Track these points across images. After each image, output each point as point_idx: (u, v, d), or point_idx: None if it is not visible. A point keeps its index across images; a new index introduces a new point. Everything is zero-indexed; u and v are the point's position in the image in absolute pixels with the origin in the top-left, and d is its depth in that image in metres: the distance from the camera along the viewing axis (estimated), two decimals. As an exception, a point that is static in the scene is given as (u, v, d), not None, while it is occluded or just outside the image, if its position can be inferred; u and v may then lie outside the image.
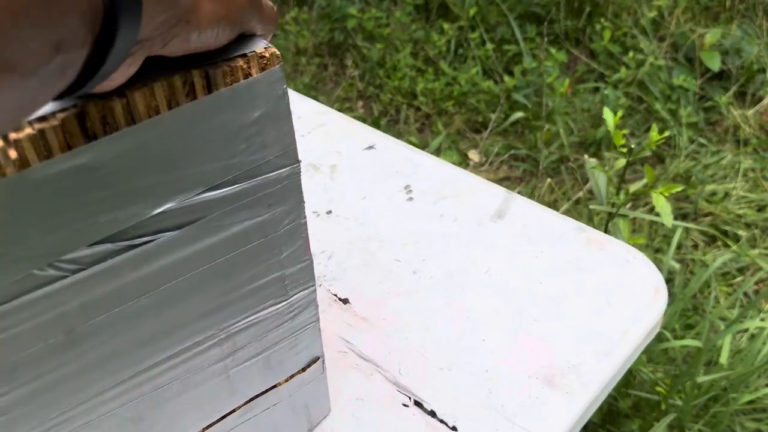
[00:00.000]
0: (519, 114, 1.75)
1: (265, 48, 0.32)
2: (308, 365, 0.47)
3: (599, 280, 0.64)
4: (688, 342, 0.93)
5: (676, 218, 1.58)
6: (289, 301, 0.42)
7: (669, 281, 1.35)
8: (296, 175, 0.37)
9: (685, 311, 1.15)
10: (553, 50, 2.00)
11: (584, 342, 0.58)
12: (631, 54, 1.94)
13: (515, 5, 2.13)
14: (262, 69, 0.32)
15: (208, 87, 0.31)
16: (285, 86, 0.34)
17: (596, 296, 0.62)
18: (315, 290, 0.44)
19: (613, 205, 0.89)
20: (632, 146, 0.82)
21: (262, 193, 0.36)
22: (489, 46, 2.08)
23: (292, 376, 0.47)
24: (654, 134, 0.80)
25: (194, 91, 0.31)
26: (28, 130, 0.27)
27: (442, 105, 1.97)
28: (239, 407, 0.45)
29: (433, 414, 0.54)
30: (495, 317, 0.61)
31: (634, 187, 0.86)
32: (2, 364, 0.31)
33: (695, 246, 1.52)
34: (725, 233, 1.53)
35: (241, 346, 0.41)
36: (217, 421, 0.44)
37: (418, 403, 0.54)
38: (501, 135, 1.80)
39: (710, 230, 1.53)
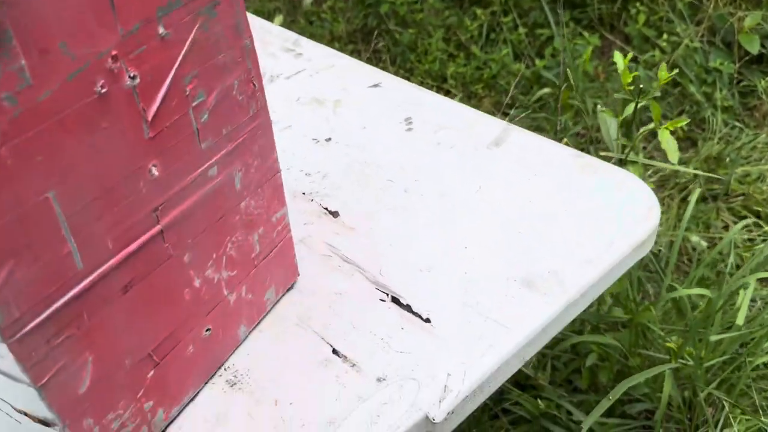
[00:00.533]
0: (545, 90, 1.74)
1: None
2: None
3: (591, 199, 0.63)
4: (699, 291, 0.90)
5: (705, 199, 1.54)
6: None
7: (695, 260, 1.32)
8: None
9: (704, 279, 1.12)
10: (586, 34, 1.98)
11: (568, 251, 0.58)
12: (665, 36, 1.90)
13: (549, -10, 2.11)
14: None
15: None
16: None
17: (586, 214, 0.61)
18: None
19: (623, 151, 0.88)
20: (641, 85, 0.81)
21: None
22: (521, 30, 2.07)
23: None
24: (663, 73, 0.79)
25: None
26: None
27: (472, 88, 1.97)
28: None
29: (408, 308, 0.54)
30: (480, 229, 0.61)
31: (644, 129, 0.84)
32: None
33: (725, 227, 1.48)
34: (758, 215, 1.48)
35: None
36: None
37: (395, 299, 0.55)
38: (527, 112, 1.78)
39: (741, 210, 1.48)
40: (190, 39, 0.38)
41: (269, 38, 0.95)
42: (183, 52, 0.38)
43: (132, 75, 0.35)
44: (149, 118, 0.37)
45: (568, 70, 1.03)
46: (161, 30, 0.36)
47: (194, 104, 0.40)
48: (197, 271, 0.44)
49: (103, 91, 0.34)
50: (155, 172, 0.39)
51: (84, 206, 0.35)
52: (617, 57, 0.83)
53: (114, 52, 0.34)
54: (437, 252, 0.59)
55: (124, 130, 0.36)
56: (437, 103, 0.79)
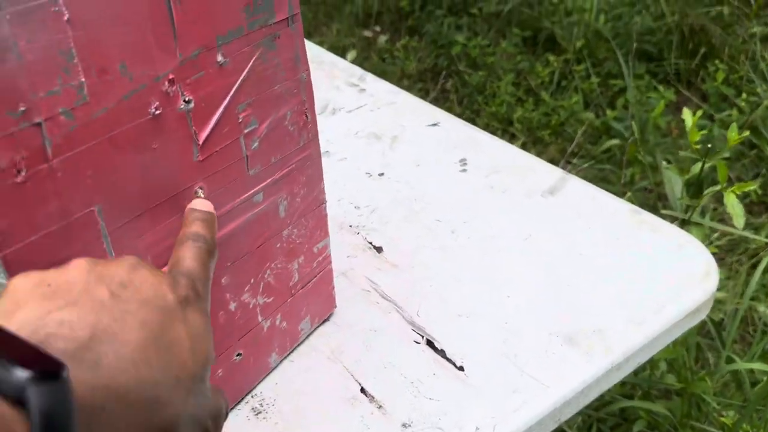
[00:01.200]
0: (614, 141, 1.70)
1: None
2: None
3: (645, 257, 0.60)
4: (761, 366, 0.85)
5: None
6: None
7: (760, 332, 1.24)
8: None
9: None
10: (661, 88, 1.93)
11: (615, 309, 0.55)
12: (744, 96, 1.84)
13: (625, 41, 2.09)
14: None
15: None
16: None
17: (638, 272, 0.59)
18: None
19: (687, 211, 0.85)
20: (709, 146, 0.78)
21: None
22: (594, 79, 2.04)
23: None
24: (733, 133, 0.75)
25: None
26: None
27: (538, 133, 1.95)
28: None
29: (442, 353, 0.53)
30: (525, 278, 0.59)
31: (709, 190, 0.81)
32: None
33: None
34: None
35: None
36: None
37: (429, 342, 0.54)
38: (591, 162, 1.75)
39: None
40: (247, 69, 0.39)
41: (336, 72, 0.97)
42: (239, 81, 0.39)
43: (187, 99, 0.36)
44: (200, 142, 0.38)
45: (633, 123, 1.00)
46: (220, 58, 0.37)
47: (246, 131, 0.41)
48: (233, 294, 0.45)
49: (157, 112, 0.35)
50: (201, 194, 0.39)
51: (127, 222, 0.36)
52: (686, 114, 0.80)
53: (171, 76, 0.35)
54: (479, 298, 0.57)
55: (174, 151, 0.37)
56: (494, 146, 0.78)
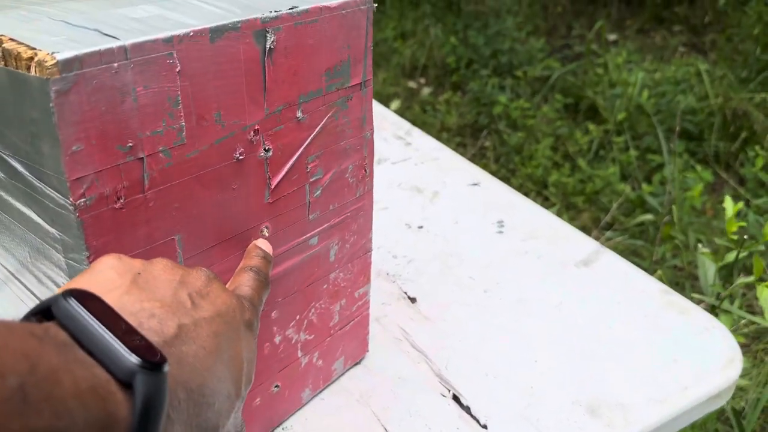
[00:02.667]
0: (648, 216, 1.71)
1: (36, 52, 0.30)
2: None
3: (671, 337, 0.62)
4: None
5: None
6: None
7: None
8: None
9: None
10: (699, 168, 1.95)
11: (639, 385, 0.57)
12: (783, 184, 1.84)
13: (666, 118, 2.12)
14: (35, 71, 0.30)
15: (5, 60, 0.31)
16: (52, 105, 0.29)
17: (664, 351, 0.60)
18: None
19: (718, 297, 0.86)
20: (745, 237, 0.79)
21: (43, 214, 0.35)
22: (632, 152, 2.07)
23: None
24: (768, 227, 0.77)
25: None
26: None
27: (572, 199, 1.97)
28: None
29: (468, 410, 0.54)
30: (554, 345, 0.61)
31: (741, 281, 0.82)
32: None
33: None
34: None
35: None
36: None
37: (456, 397, 0.56)
38: (625, 237, 1.76)
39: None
40: (321, 125, 0.43)
41: (385, 124, 1.01)
42: (312, 135, 0.43)
43: (267, 148, 0.40)
44: (272, 186, 0.42)
45: (674, 207, 1.02)
46: (299, 114, 0.41)
47: (312, 180, 0.45)
48: (279, 328, 0.48)
49: (240, 157, 0.39)
50: (266, 232, 0.43)
51: (202, 252, 0.39)
52: (728, 202, 0.82)
53: (257, 127, 0.39)
54: (506, 359, 0.59)
55: (249, 192, 0.40)
56: (533, 211, 0.81)
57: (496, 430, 0.53)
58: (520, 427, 0.53)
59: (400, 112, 2.47)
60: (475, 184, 0.86)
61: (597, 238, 1.80)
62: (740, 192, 1.96)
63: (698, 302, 1.07)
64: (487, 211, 0.80)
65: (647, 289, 0.68)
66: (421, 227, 0.78)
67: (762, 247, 0.81)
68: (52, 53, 0.29)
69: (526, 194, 2.05)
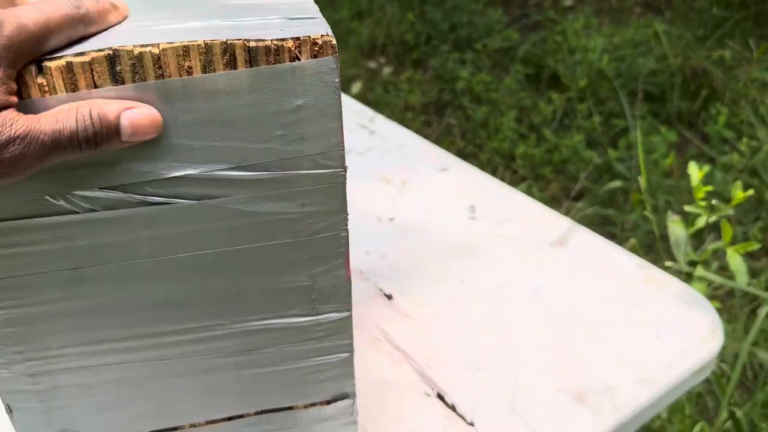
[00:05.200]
0: (617, 183, 1.71)
1: (321, 35, 0.31)
2: (334, 400, 0.44)
3: (651, 313, 0.61)
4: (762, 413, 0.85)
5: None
6: (316, 318, 0.40)
7: (761, 379, 1.25)
8: (339, 181, 0.35)
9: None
10: (663, 129, 1.96)
11: (623, 367, 0.56)
12: (745, 140, 1.86)
13: (628, 82, 2.12)
14: (314, 56, 0.31)
15: (250, 61, 0.30)
16: (338, 81, 0.32)
17: (645, 328, 0.60)
18: (350, 318, 0.41)
19: (691, 264, 0.86)
20: (714, 202, 0.79)
21: (296, 189, 0.35)
22: (596, 118, 2.07)
23: (312, 404, 0.44)
24: (738, 192, 0.77)
25: (234, 63, 0.30)
26: (59, 61, 0.29)
27: (540, 170, 1.97)
28: (249, 415, 0.43)
29: (453, 408, 0.53)
30: (534, 332, 0.60)
31: (712, 247, 0.82)
32: (10, 279, 0.34)
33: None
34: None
35: (256, 348, 0.40)
36: (224, 419, 0.43)
37: (440, 396, 0.54)
38: (595, 207, 1.76)
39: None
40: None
41: (347, 113, 0.99)
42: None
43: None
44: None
45: (642, 177, 1.01)
46: None
47: None
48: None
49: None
50: None
51: None
52: (692, 168, 0.82)
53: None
54: (489, 351, 0.58)
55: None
56: (504, 194, 0.79)
57: (484, 426, 0.52)
58: (508, 421, 0.52)
59: (362, 94, 2.43)
60: (444, 170, 0.84)
61: (568, 209, 1.81)
62: (705, 150, 1.98)
63: (673, 270, 1.07)
64: (459, 198, 0.79)
65: (624, 265, 0.67)
66: (392, 219, 0.76)
67: (731, 211, 0.81)
68: (321, 35, 0.31)
69: (495, 169, 2.05)
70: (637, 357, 0.57)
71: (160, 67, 0.30)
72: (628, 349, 0.58)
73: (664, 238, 1.60)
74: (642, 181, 0.79)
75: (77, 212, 0.33)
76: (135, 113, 0.30)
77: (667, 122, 2.07)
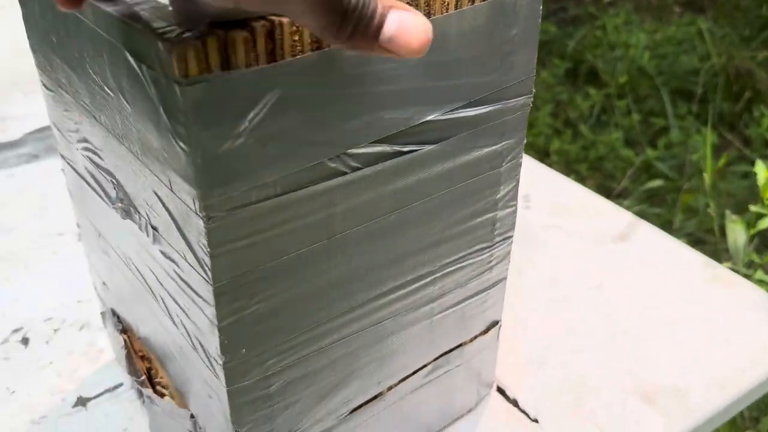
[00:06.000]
0: (658, 182, 1.67)
1: None
2: (489, 328, 0.46)
3: (720, 315, 0.58)
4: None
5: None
6: (492, 249, 0.41)
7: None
8: (527, 107, 0.37)
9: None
10: (704, 130, 1.91)
11: (693, 369, 0.53)
12: (790, 144, 1.81)
13: (669, 80, 2.07)
14: None
15: None
16: (541, 8, 0.34)
17: (714, 330, 0.57)
18: (511, 244, 0.43)
19: (750, 265, 0.82)
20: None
21: (500, 120, 0.36)
22: (635, 116, 2.02)
23: (475, 337, 0.45)
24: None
25: None
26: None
27: (575, 166, 1.93)
28: (428, 363, 0.43)
29: (515, 403, 0.51)
30: (597, 329, 0.57)
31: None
32: (272, 264, 0.31)
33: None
34: None
35: (447, 290, 0.40)
36: (408, 377, 0.42)
37: (501, 390, 0.52)
38: (640, 205, 1.72)
39: None
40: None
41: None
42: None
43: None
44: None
45: (704, 172, 0.98)
46: None
47: None
48: None
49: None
50: None
51: None
52: (759, 167, 0.78)
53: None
54: (550, 346, 0.56)
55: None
56: (559, 183, 0.77)
57: (549, 425, 0.49)
58: (574, 421, 0.49)
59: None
60: (496, 158, 0.81)
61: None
62: (746, 153, 1.92)
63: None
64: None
65: (690, 263, 0.64)
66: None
67: (798, 212, 0.78)
68: None
69: (529, 163, 2.01)
70: (707, 359, 0.54)
71: (428, 5, 0.30)
72: (696, 350, 0.55)
73: (703, 241, 1.56)
74: (706, 177, 0.76)
75: (345, 173, 0.31)
76: (406, 15, 0.24)
77: (707, 123, 2.02)
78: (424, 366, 0.43)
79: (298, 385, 0.36)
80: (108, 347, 0.55)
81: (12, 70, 1.02)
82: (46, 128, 0.88)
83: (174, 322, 0.36)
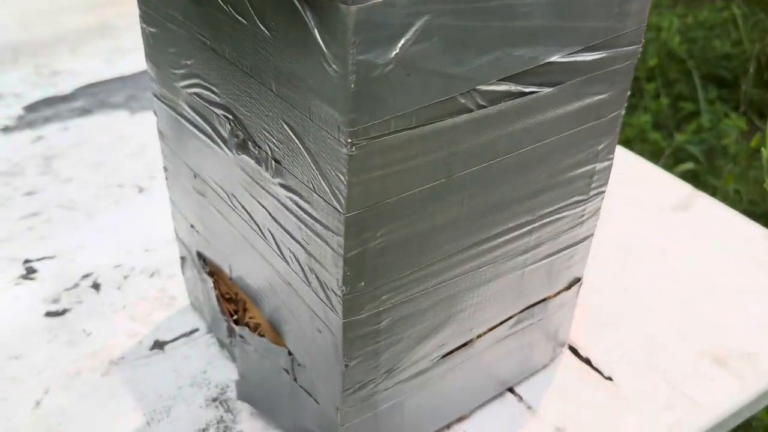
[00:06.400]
0: (689, 165, 1.67)
1: None
2: (572, 284, 0.46)
3: (788, 285, 0.58)
4: None
5: None
6: (586, 203, 0.41)
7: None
8: (636, 58, 0.37)
9: None
10: (733, 116, 1.89)
11: (762, 334, 0.53)
12: (823, 132, 1.79)
13: (700, 64, 2.05)
14: None
15: None
16: None
17: (783, 299, 0.57)
18: (602, 200, 0.42)
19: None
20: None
21: (611, 68, 0.36)
22: (664, 100, 2.01)
23: (559, 293, 0.45)
24: None
25: None
26: None
27: (603, 148, 1.92)
28: (515, 315, 0.43)
29: (588, 362, 0.51)
30: (664, 294, 0.57)
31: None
32: (395, 199, 0.31)
33: None
34: None
35: (541, 242, 0.40)
36: (499, 324, 0.43)
37: (573, 349, 0.52)
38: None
39: None
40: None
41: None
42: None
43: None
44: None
45: (764, 149, 0.96)
46: None
47: None
48: None
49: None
50: None
51: None
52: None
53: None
54: (620, 307, 0.56)
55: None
56: (619, 155, 0.76)
57: (623, 382, 0.50)
58: (648, 379, 0.50)
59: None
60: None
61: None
62: (775, 140, 1.91)
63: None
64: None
65: (751, 234, 0.64)
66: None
67: None
68: None
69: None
70: (777, 326, 0.54)
71: None
72: (764, 317, 0.55)
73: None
74: (765, 152, 0.75)
75: (471, 110, 0.31)
76: None
77: (736, 109, 2.00)
78: (510, 318, 0.43)
79: (403, 324, 0.36)
80: (181, 294, 0.56)
81: (57, 26, 1.02)
82: (97, 84, 0.88)
83: (284, 257, 0.36)
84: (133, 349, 0.52)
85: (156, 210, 0.65)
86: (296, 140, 0.31)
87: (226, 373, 0.49)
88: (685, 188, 0.70)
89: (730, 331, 0.54)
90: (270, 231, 0.36)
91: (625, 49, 0.36)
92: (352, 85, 0.26)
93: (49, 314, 0.54)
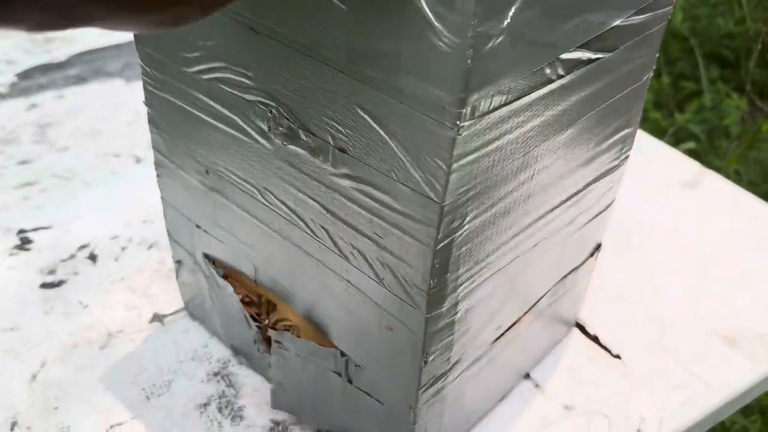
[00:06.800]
0: (690, 145, 1.65)
1: None
2: (594, 251, 0.45)
3: (798, 264, 0.57)
4: None
5: None
6: (618, 168, 0.40)
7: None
8: (668, 17, 0.35)
9: None
10: (735, 96, 1.88)
11: (775, 315, 0.53)
12: (824, 113, 1.78)
13: (703, 43, 2.03)
14: None
15: None
16: None
17: (793, 279, 0.56)
18: (623, 171, 0.41)
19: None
20: None
21: (652, 29, 0.34)
22: (665, 79, 1.99)
23: (585, 261, 0.45)
24: None
25: None
26: None
27: (603, 127, 1.91)
28: (551, 288, 0.42)
29: (595, 339, 0.50)
30: (674, 271, 0.56)
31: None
32: (481, 180, 0.28)
33: None
34: None
35: (581, 210, 0.39)
36: (536, 302, 0.41)
37: (580, 326, 0.51)
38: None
39: None
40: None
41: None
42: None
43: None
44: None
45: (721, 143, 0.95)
46: None
47: None
48: None
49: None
50: None
51: None
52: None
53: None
54: (628, 283, 0.55)
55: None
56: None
57: (631, 361, 0.49)
58: (657, 358, 0.49)
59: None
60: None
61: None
62: (776, 121, 1.90)
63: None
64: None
65: (761, 213, 0.63)
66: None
67: None
68: None
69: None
70: (787, 306, 0.54)
71: None
72: (775, 297, 0.54)
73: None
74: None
75: (552, 80, 0.29)
76: None
77: (738, 89, 1.98)
78: (548, 291, 0.42)
79: (473, 311, 0.34)
80: (180, 266, 0.54)
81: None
82: (92, 51, 0.86)
83: (342, 254, 0.33)
84: (131, 322, 0.50)
85: (154, 181, 0.63)
86: (375, 125, 0.28)
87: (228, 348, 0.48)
88: (693, 165, 0.69)
89: (741, 310, 0.53)
90: (323, 227, 0.33)
91: (663, 10, 0.34)
92: (469, 60, 0.23)
93: (44, 285, 0.53)
